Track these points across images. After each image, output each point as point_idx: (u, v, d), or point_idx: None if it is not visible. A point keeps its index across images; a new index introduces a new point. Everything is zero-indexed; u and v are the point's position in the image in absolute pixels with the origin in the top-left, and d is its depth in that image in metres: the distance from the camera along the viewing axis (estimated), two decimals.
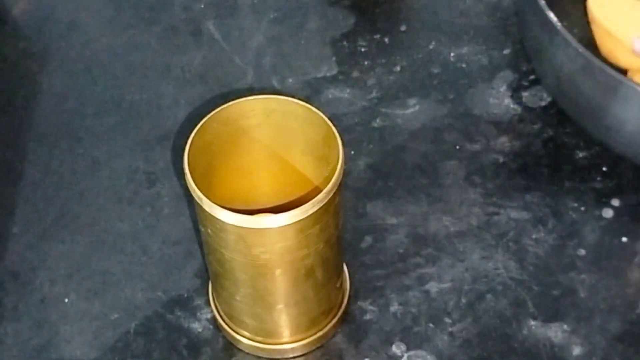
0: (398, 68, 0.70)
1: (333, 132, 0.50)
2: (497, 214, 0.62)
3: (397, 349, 0.56)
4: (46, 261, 0.60)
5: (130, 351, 0.56)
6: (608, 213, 0.61)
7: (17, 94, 0.70)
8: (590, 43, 0.66)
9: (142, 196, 0.64)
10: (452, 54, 0.71)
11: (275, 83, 0.69)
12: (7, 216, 0.62)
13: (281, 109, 0.52)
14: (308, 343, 0.55)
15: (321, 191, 0.48)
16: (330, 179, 0.48)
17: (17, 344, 0.57)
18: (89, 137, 0.67)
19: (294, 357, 0.56)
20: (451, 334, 0.56)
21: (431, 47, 0.71)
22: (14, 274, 0.60)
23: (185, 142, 0.50)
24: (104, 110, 0.69)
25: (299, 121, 0.52)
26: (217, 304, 0.57)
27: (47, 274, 0.60)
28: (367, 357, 0.56)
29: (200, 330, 0.57)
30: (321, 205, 0.47)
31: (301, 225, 0.47)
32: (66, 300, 0.59)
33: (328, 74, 0.70)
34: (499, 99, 0.68)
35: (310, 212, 0.47)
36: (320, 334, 0.56)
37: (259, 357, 0.56)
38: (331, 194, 0.48)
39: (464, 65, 0.70)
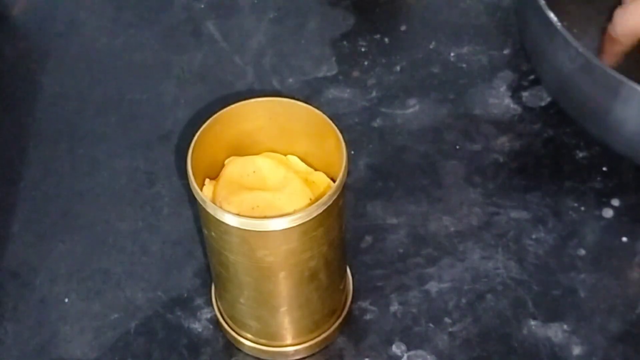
0: (398, 68, 0.70)
1: (337, 134, 0.50)
2: (497, 214, 0.62)
3: (397, 349, 0.56)
4: (46, 261, 0.60)
5: (130, 351, 0.56)
6: (608, 213, 0.61)
7: (17, 94, 0.70)
8: (590, 43, 0.66)
9: (142, 196, 0.64)
10: (452, 54, 0.71)
11: (275, 83, 0.69)
12: (7, 216, 0.62)
13: (284, 111, 0.52)
14: (311, 345, 0.55)
15: (325, 194, 0.48)
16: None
17: (17, 344, 0.57)
18: (89, 137, 0.67)
19: None
20: (451, 334, 0.56)
21: (431, 47, 0.71)
22: (14, 274, 0.60)
23: (186, 142, 0.50)
24: (104, 110, 0.69)
25: (302, 123, 0.52)
26: (220, 306, 0.57)
27: (47, 274, 0.60)
28: (367, 357, 0.56)
29: (200, 330, 0.57)
30: (325, 207, 0.47)
31: (305, 228, 0.47)
32: (66, 300, 0.59)
33: (328, 74, 0.70)
34: (499, 99, 0.68)
35: (314, 214, 0.47)
36: (324, 335, 0.55)
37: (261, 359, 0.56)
38: (335, 197, 0.48)
39: (464, 65, 0.70)
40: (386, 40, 0.72)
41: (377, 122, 0.67)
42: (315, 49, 0.72)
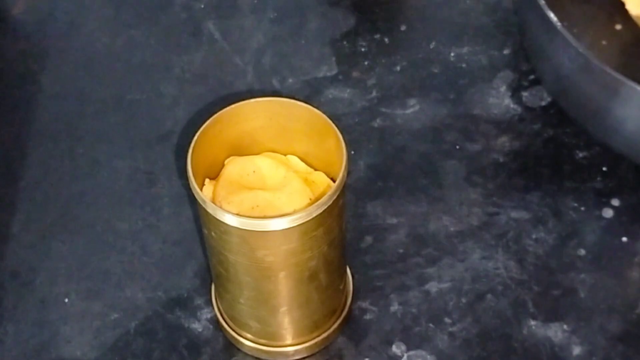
0: (398, 68, 0.70)
1: (337, 135, 0.50)
2: (497, 214, 0.62)
3: (397, 349, 0.56)
4: (46, 261, 0.60)
5: (130, 351, 0.56)
6: (608, 213, 0.61)
7: (17, 94, 0.70)
8: (590, 43, 0.66)
9: (142, 196, 0.64)
10: (452, 54, 0.71)
11: (275, 83, 0.69)
12: (7, 216, 0.62)
13: (284, 111, 0.52)
14: (311, 345, 0.55)
15: (325, 194, 0.48)
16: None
17: (17, 344, 0.57)
18: (89, 137, 0.67)
19: None
20: (451, 334, 0.56)
21: (431, 47, 0.71)
22: (14, 274, 0.60)
23: (186, 142, 0.50)
24: (104, 110, 0.69)
25: (302, 123, 0.52)
26: (220, 307, 0.57)
27: (47, 274, 0.60)
28: (367, 357, 0.56)
29: (200, 330, 0.57)
30: (325, 207, 0.47)
31: (305, 228, 0.47)
32: (66, 300, 0.59)
33: (328, 74, 0.70)
34: (499, 99, 0.68)
35: (315, 214, 0.47)
36: (324, 335, 0.56)
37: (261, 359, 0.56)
38: (335, 197, 0.48)
39: (464, 65, 0.70)
40: (386, 40, 0.72)
41: (377, 122, 0.67)
42: (315, 49, 0.72)
